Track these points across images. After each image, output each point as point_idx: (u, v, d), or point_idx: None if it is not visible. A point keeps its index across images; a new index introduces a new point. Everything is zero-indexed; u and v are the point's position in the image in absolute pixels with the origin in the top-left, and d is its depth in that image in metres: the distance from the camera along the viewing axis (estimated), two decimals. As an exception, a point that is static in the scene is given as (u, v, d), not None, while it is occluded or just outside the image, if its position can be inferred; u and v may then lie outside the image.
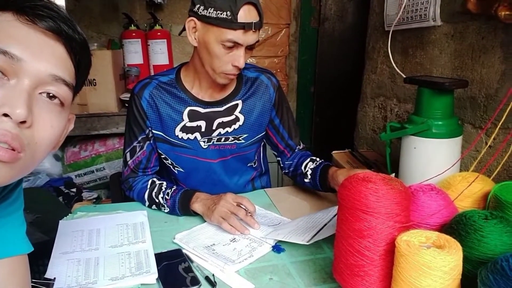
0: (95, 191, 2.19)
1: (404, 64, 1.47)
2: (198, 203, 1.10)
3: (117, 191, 1.50)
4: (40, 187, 1.98)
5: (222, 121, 1.20)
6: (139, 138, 1.20)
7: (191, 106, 1.18)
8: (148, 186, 1.19)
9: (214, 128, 1.20)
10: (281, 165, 1.37)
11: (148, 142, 1.21)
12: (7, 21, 0.52)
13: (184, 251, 0.95)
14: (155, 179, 1.22)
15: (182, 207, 1.12)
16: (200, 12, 1.02)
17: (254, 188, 1.39)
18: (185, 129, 1.19)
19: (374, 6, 1.70)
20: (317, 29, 2.75)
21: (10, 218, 0.64)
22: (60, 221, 1.08)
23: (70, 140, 2.25)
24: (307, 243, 0.91)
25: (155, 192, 1.17)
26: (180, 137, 1.19)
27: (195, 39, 1.08)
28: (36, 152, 0.54)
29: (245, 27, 1.00)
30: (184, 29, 1.10)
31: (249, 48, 1.08)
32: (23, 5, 0.52)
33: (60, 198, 1.93)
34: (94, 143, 2.19)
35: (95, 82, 2.00)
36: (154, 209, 1.18)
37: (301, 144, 1.36)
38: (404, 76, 1.20)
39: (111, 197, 1.72)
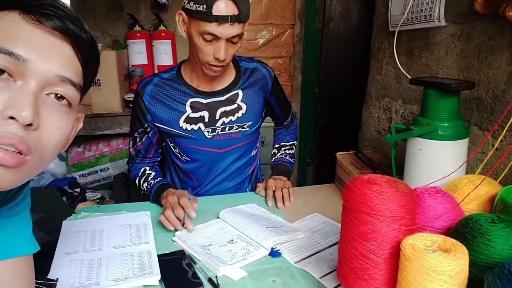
0: (99, 191, 2.19)
1: (410, 65, 1.46)
2: (165, 198, 1.14)
3: (121, 191, 1.51)
4: (45, 187, 1.98)
5: (225, 110, 1.25)
6: (139, 131, 1.28)
7: (193, 97, 1.24)
8: (139, 174, 1.30)
9: (217, 118, 1.25)
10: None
11: (146, 135, 1.28)
12: (13, 20, 0.51)
13: (187, 252, 0.95)
14: (147, 167, 1.31)
15: (154, 200, 1.23)
16: (185, 6, 1.09)
17: (252, 186, 1.41)
18: (188, 120, 1.24)
19: (379, 6, 1.69)
20: (321, 30, 2.73)
21: (17, 218, 0.64)
22: (63, 221, 1.08)
23: (74, 140, 2.21)
24: (294, 264, 0.92)
25: (142, 180, 1.28)
26: (184, 128, 1.24)
27: (184, 31, 1.13)
28: (44, 154, 0.53)
29: (219, 20, 1.03)
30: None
31: (232, 42, 1.10)
32: (29, 4, 0.52)
33: (64, 198, 1.93)
34: (98, 143, 2.20)
35: (99, 83, 2.00)
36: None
37: (289, 116, 1.49)
38: (410, 77, 1.19)
39: (114, 198, 1.72)
